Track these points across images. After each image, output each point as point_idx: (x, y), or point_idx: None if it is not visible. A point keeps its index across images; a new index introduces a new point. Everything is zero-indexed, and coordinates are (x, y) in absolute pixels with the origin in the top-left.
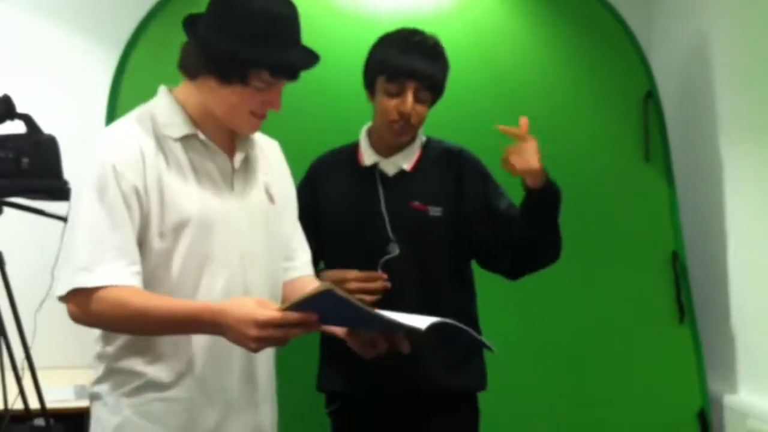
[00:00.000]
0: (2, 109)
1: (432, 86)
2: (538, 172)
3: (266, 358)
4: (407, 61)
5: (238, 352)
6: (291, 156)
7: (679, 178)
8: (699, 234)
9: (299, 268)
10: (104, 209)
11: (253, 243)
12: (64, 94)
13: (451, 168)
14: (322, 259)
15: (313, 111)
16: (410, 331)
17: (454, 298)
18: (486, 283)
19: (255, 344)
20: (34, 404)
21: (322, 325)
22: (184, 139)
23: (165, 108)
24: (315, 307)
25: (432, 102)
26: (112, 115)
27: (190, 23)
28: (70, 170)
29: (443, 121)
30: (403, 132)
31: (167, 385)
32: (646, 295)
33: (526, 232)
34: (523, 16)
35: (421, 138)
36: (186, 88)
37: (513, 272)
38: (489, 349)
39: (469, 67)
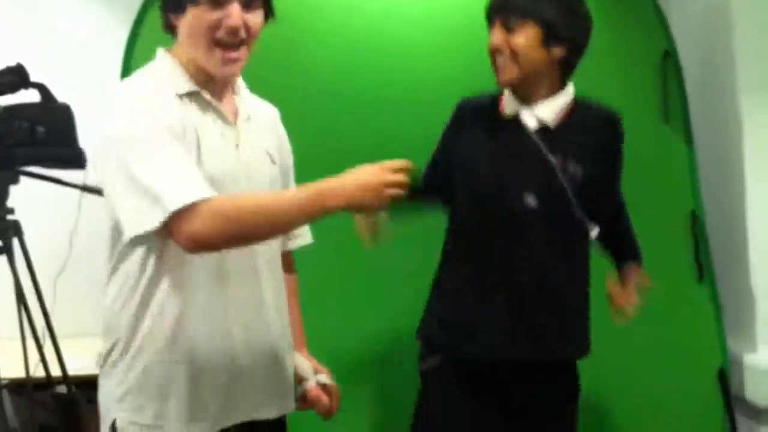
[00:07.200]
0: (16, 78)
1: (523, 14)
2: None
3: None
4: None
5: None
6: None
7: (697, 138)
8: (718, 194)
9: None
10: (168, 146)
11: None
12: (76, 62)
13: (605, 132)
14: (446, 199)
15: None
16: None
17: (580, 261)
18: None
19: (391, 190)
20: (55, 372)
21: None
22: (188, 97)
23: (167, 66)
24: None
25: (539, 37)
26: None
27: None
28: (84, 138)
29: (458, 91)
30: (501, 69)
31: (164, 348)
32: (665, 255)
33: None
34: None
35: (569, 92)
36: (177, 47)
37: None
38: None
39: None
